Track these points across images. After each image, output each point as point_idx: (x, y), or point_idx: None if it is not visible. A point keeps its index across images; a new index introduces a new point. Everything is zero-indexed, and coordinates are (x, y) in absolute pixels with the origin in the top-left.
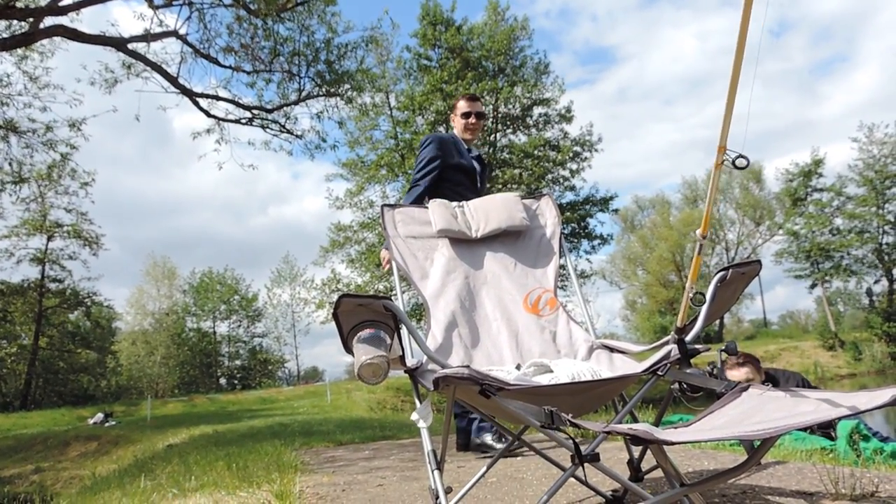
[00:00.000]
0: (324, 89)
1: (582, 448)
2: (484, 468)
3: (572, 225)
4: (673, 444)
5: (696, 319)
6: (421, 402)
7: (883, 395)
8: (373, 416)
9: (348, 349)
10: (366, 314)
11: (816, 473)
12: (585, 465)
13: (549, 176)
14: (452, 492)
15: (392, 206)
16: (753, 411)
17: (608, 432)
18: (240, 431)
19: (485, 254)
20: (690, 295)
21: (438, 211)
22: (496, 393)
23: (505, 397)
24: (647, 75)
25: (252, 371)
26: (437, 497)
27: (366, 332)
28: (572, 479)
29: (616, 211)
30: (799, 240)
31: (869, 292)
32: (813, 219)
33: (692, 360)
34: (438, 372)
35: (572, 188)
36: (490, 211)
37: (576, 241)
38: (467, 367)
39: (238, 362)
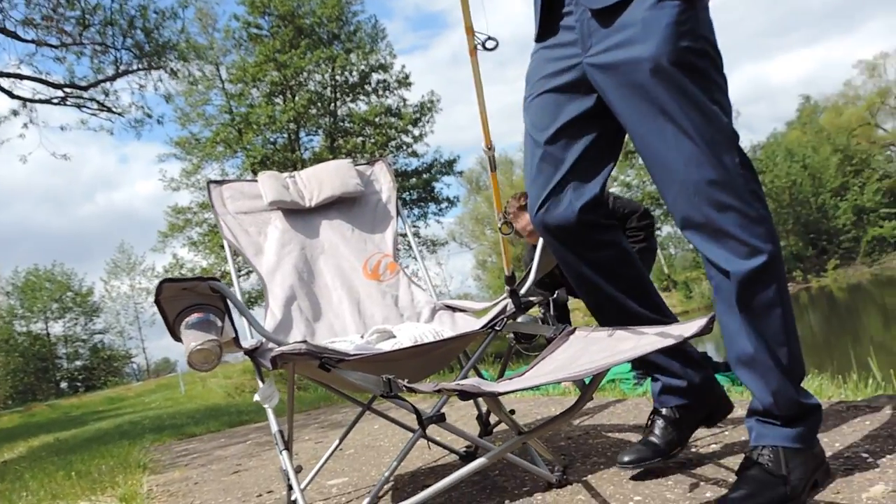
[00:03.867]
0: (144, 62)
1: (442, 410)
2: (336, 441)
3: (419, 190)
4: (498, 395)
5: (529, 272)
6: (264, 383)
7: (692, 327)
8: (231, 401)
9: (176, 337)
10: (191, 298)
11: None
12: (444, 424)
13: (393, 143)
14: (305, 470)
15: (219, 182)
16: (579, 354)
17: (438, 391)
18: (85, 436)
19: (320, 223)
20: (499, 224)
21: (268, 183)
22: (336, 365)
23: (346, 368)
24: None
25: (96, 370)
26: (289, 478)
27: (193, 317)
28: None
29: (461, 173)
30: (632, 190)
31: None
32: (643, 170)
33: (531, 311)
34: (275, 350)
35: (416, 154)
36: (322, 179)
37: (424, 205)
38: (304, 342)
39: (79, 363)
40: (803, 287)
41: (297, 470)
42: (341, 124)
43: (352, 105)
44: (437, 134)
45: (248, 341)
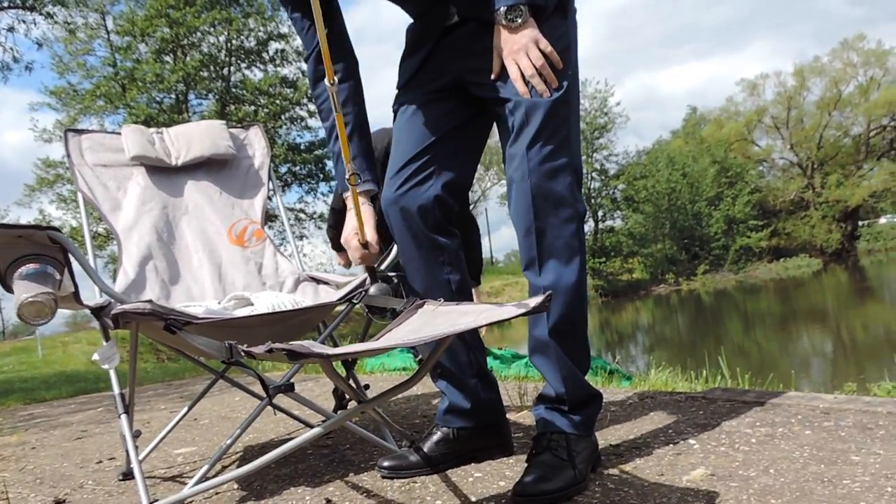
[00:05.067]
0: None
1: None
2: (185, 408)
3: (310, 166)
4: (328, 357)
5: (392, 248)
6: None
7: (530, 303)
8: (92, 368)
9: (7, 287)
10: (28, 247)
11: (507, 389)
12: (294, 395)
13: (286, 115)
14: (151, 437)
15: (79, 132)
16: (424, 325)
17: (269, 351)
18: None
19: (186, 183)
20: (347, 176)
21: (132, 136)
22: (183, 328)
23: (193, 332)
24: (381, 19)
25: None
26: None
27: (29, 268)
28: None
29: None
30: None
31: None
32: None
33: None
34: (117, 307)
35: (309, 128)
36: (192, 137)
37: (314, 182)
38: (149, 301)
39: None
40: (674, 289)
41: (136, 435)
42: (234, 90)
43: (247, 72)
44: None
45: (95, 300)
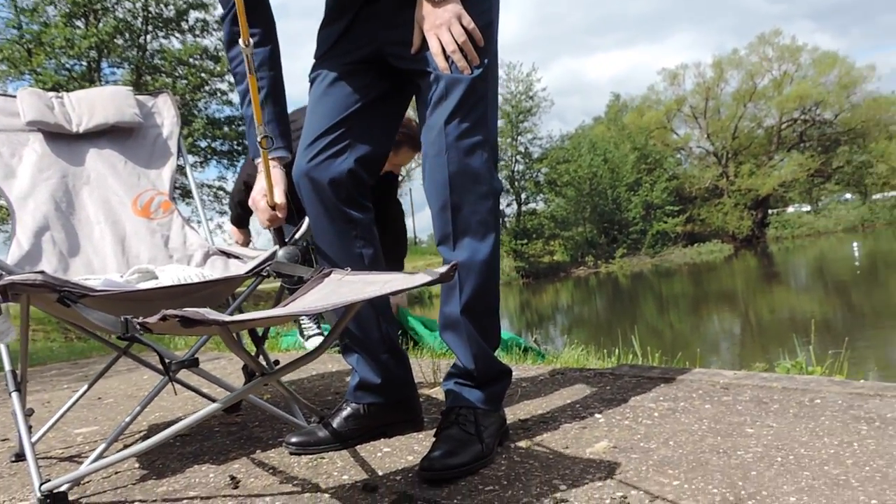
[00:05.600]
0: None
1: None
2: (85, 386)
3: (231, 142)
4: (224, 324)
5: (303, 222)
6: None
7: (435, 272)
8: None
9: None
10: None
11: (422, 366)
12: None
13: (207, 88)
14: (50, 416)
15: None
16: (329, 294)
17: (162, 318)
18: None
19: (88, 151)
20: (259, 139)
21: (29, 100)
22: (78, 301)
23: (89, 305)
24: None
25: None
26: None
27: None
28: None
29: None
30: None
31: (502, 214)
32: None
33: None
34: (4, 278)
35: (230, 103)
36: (95, 103)
37: (235, 157)
38: (42, 272)
39: None
40: (593, 272)
41: (29, 413)
42: (151, 60)
43: (165, 41)
44: None
45: None
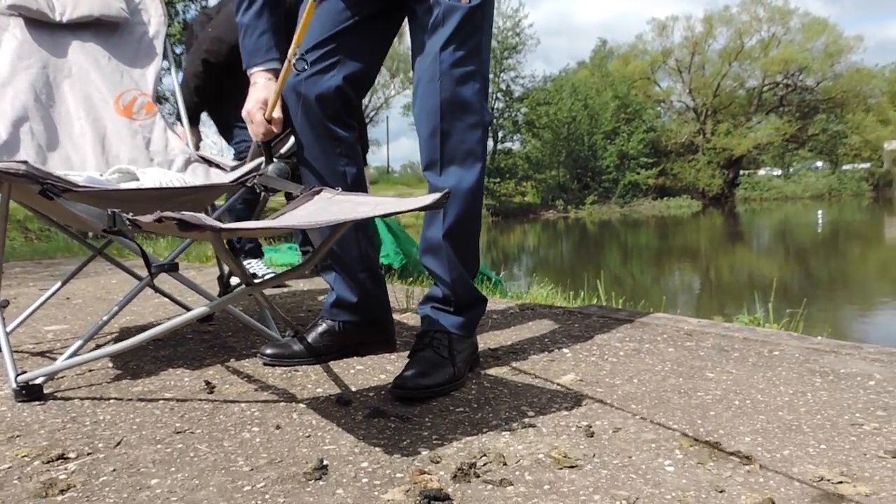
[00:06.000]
0: None
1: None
2: (58, 284)
3: None
4: (220, 230)
5: (288, 134)
6: None
7: (428, 199)
8: None
9: None
10: None
11: (395, 292)
12: (177, 275)
13: None
14: (20, 312)
15: None
16: (319, 212)
17: (158, 220)
18: None
19: (71, 43)
20: (293, 61)
21: None
22: (61, 195)
23: (71, 199)
24: None
25: None
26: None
27: None
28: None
29: None
30: None
31: None
32: None
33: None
34: None
35: (208, 8)
36: None
37: None
38: (25, 162)
39: None
40: (562, 216)
41: (3, 305)
42: None
43: None
44: None
45: None
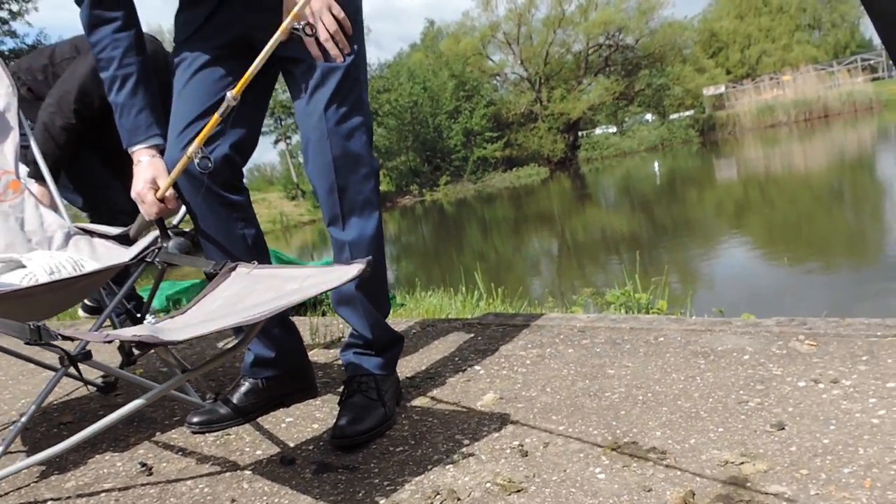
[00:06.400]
0: None
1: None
2: None
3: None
4: (179, 343)
5: (180, 207)
6: None
7: (352, 269)
8: None
9: None
10: None
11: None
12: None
13: None
14: None
15: None
16: (246, 292)
17: (110, 342)
18: None
19: None
20: (196, 160)
21: None
22: None
23: None
24: None
25: None
26: None
27: None
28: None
29: None
30: None
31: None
32: None
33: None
34: None
35: (14, 34)
36: None
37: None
38: None
39: None
40: (419, 200)
41: None
42: None
43: None
44: (44, 13)
45: None
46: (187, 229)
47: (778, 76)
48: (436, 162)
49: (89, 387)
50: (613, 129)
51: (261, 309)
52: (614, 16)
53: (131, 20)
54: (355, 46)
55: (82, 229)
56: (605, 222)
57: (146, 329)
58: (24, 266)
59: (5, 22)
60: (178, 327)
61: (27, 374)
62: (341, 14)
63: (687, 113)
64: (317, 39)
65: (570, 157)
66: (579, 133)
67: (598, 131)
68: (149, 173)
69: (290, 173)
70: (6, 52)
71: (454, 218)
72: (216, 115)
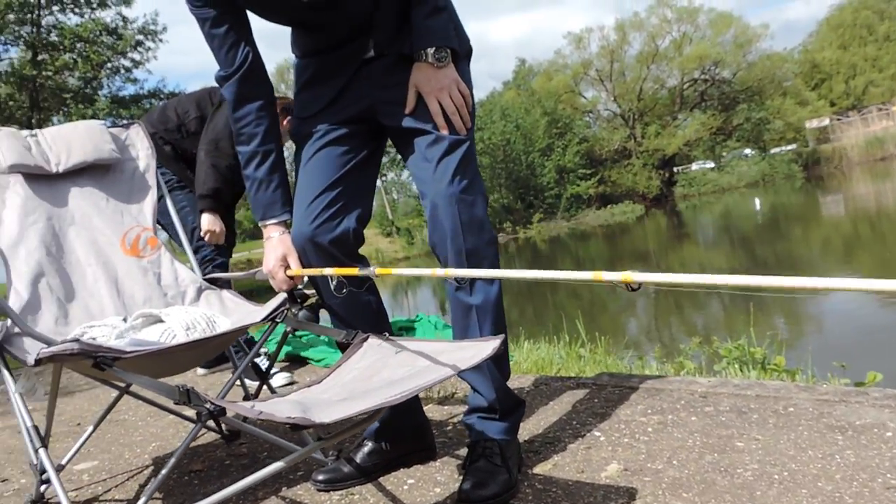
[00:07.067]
0: None
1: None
2: (90, 428)
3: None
4: (327, 425)
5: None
6: (10, 374)
7: (486, 348)
8: None
9: None
10: None
11: None
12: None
13: (109, 65)
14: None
15: None
16: (380, 365)
17: (263, 419)
18: None
19: (69, 190)
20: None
21: (7, 142)
22: (113, 365)
23: (124, 368)
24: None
25: None
26: (45, 477)
27: None
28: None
29: None
30: None
31: None
32: None
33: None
34: (42, 350)
35: (135, 80)
36: (72, 141)
37: None
38: (76, 340)
39: None
40: (512, 238)
41: (59, 469)
42: (47, 36)
43: (61, 16)
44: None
45: None
46: (309, 292)
47: (887, 107)
48: (529, 199)
49: (212, 432)
50: (711, 165)
51: (400, 388)
52: (710, 50)
53: (272, 98)
54: (473, 122)
55: (210, 280)
56: (705, 261)
57: (297, 409)
58: (162, 321)
59: (128, 70)
60: (323, 404)
61: (154, 415)
62: (466, 91)
63: (789, 147)
64: (444, 112)
65: (665, 194)
66: (675, 169)
67: (694, 167)
68: (279, 251)
69: (386, 210)
70: (127, 98)
71: (547, 256)
72: None
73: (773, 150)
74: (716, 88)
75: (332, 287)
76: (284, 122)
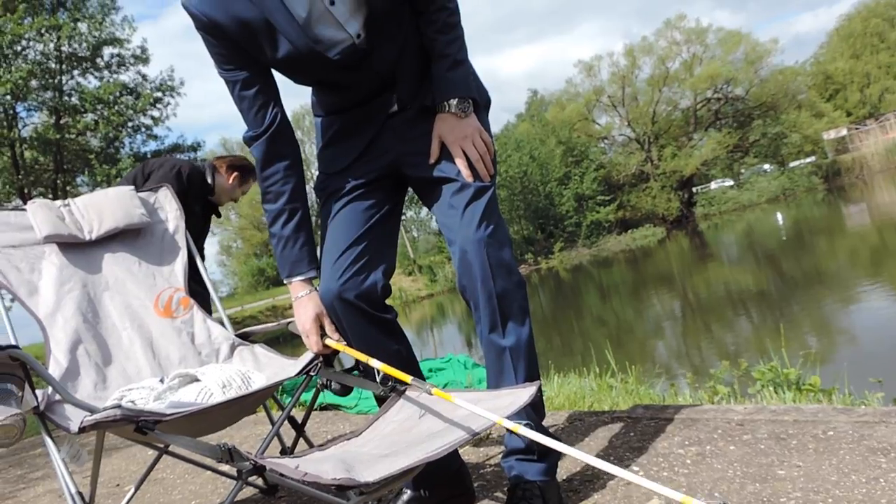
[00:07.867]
0: None
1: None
2: (132, 489)
3: None
4: (372, 484)
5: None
6: (52, 440)
7: (523, 396)
8: None
9: None
10: None
11: None
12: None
13: (130, 124)
14: None
15: None
16: (418, 417)
17: (308, 482)
18: None
19: (102, 257)
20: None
21: (41, 213)
22: (154, 428)
23: (164, 430)
24: None
25: None
26: None
27: None
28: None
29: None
30: None
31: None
32: None
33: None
34: (86, 419)
35: (156, 137)
36: (103, 208)
37: None
38: (118, 406)
39: None
40: (534, 269)
41: None
42: (69, 100)
43: (81, 79)
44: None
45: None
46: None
47: None
48: (549, 229)
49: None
50: (730, 183)
51: (441, 441)
52: (720, 69)
53: (298, 157)
54: (495, 168)
55: (242, 337)
56: (730, 280)
57: (341, 468)
58: (198, 380)
59: (148, 128)
60: (366, 460)
61: (192, 472)
62: (488, 139)
63: (808, 160)
64: (468, 160)
65: (686, 215)
66: (694, 189)
67: (713, 186)
68: (311, 311)
69: (406, 249)
70: (149, 155)
71: (571, 285)
72: None
73: (791, 164)
74: (730, 106)
75: (378, 380)
76: (230, 180)
